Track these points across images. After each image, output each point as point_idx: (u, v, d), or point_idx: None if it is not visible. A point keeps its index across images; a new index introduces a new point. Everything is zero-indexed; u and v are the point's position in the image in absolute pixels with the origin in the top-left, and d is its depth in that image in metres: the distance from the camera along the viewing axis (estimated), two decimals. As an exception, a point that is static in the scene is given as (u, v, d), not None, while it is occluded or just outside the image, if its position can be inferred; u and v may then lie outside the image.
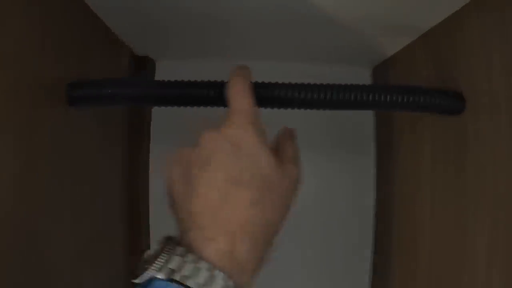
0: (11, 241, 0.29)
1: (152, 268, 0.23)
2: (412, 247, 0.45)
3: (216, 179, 0.26)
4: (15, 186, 0.30)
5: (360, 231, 0.58)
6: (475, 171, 0.34)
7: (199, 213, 0.25)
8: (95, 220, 0.44)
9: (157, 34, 0.47)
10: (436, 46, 0.41)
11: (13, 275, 0.29)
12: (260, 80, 0.34)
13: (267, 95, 0.33)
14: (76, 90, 0.36)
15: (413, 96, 0.34)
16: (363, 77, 0.57)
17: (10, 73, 0.29)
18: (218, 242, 0.24)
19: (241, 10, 0.39)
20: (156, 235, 0.57)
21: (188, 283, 0.23)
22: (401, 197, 0.50)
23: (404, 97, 0.34)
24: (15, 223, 0.30)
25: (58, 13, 0.35)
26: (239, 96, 0.29)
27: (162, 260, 0.23)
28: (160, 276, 0.23)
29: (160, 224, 0.57)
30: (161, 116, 0.57)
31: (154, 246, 0.25)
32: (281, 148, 0.30)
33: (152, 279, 0.23)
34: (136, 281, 0.24)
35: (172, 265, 0.23)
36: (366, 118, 0.58)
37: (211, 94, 0.34)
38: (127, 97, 0.37)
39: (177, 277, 0.23)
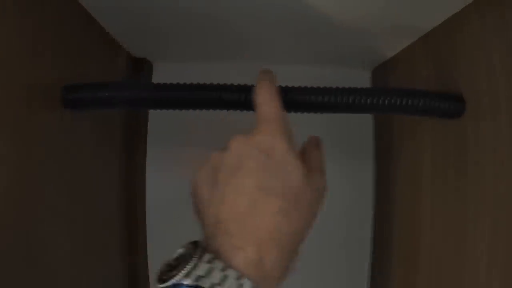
0: (6, 243, 0.29)
1: (180, 274, 0.23)
2: (412, 250, 0.45)
3: (245, 186, 0.26)
4: (10, 188, 0.29)
5: (359, 234, 0.57)
6: (476, 173, 0.34)
7: (226, 220, 0.25)
8: (92, 222, 0.44)
9: (155, 35, 0.47)
10: (436, 47, 0.41)
11: (9, 276, 0.29)
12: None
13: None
14: (71, 93, 0.36)
15: (413, 99, 0.33)
16: (363, 78, 0.57)
17: (3, 75, 0.28)
18: (246, 250, 0.24)
19: (239, 11, 0.39)
20: (152, 236, 0.56)
21: None
22: (401, 200, 0.49)
23: (403, 100, 0.33)
24: (10, 225, 0.29)
25: (52, 14, 0.34)
26: (268, 102, 0.29)
27: (190, 266, 0.23)
28: (187, 282, 0.23)
29: (156, 226, 0.57)
30: (158, 118, 0.57)
31: (178, 250, 0.25)
32: (307, 156, 0.30)
33: (178, 285, 0.23)
34: (162, 285, 0.23)
35: (200, 271, 0.23)
36: (365, 122, 0.58)
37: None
38: (124, 100, 0.36)
39: (205, 284, 0.23)
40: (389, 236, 0.51)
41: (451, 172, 0.37)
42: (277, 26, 0.43)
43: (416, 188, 0.44)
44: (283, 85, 0.33)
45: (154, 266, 0.56)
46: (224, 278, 0.23)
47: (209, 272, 0.23)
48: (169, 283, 0.23)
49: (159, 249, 0.56)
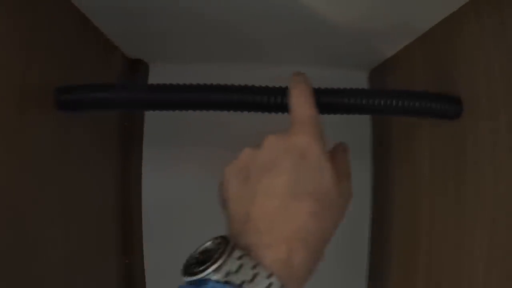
0: (1, 244, 0.29)
1: (211, 268, 0.23)
2: (411, 250, 0.44)
3: (278, 186, 0.26)
4: (2, 190, 0.29)
5: (357, 235, 0.57)
6: (474, 174, 0.33)
7: (257, 219, 0.26)
8: (87, 223, 0.44)
9: (151, 36, 0.47)
10: (434, 47, 0.41)
11: (3, 277, 0.29)
12: (256, 84, 0.33)
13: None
14: (64, 95, 0.35)
15: (410, 101, 0.33)
16: (360, 79, 0.57)
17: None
18: (275, 249, 0.25)
19: (237, 12, 0.39)
20: (148, 237, 0.56)
21: (245, 287, 0.22)
22: (400, 201, 0.49)
23: (401, 101, 0.33)
24: (2, 227, 0.29)
25: (45, 15, 0.34)
26: (303, 104, 0.29)
27: (220, 261, 0.23)
28: (216, 277, 0.23)
29: (152, 226, 0.56)
30: (154, 119, 0.56)
31: (205, 243, 0.25)
32: (336, 162, 0.30)
33: (206, 279, 0.23)
34: (189, 279, 0.23)
35: (229, 267, 0.23)
36: (363, 123, 0.57)
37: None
38: (118, 102, 0.36)
39: (235, 280, 0.22)
40: (388, 237, 0.51)
41: (450, 172, 0.37)
42: (274, 27, 0.43)
43: (415, 189, 0.44)
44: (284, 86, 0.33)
45: (150, 266, 0.56)
46: (255, 276, 0.23)
47: (239, 269, 0.23)
48: (198, 276, 0.23)
49: (155, 249, 0.56)
